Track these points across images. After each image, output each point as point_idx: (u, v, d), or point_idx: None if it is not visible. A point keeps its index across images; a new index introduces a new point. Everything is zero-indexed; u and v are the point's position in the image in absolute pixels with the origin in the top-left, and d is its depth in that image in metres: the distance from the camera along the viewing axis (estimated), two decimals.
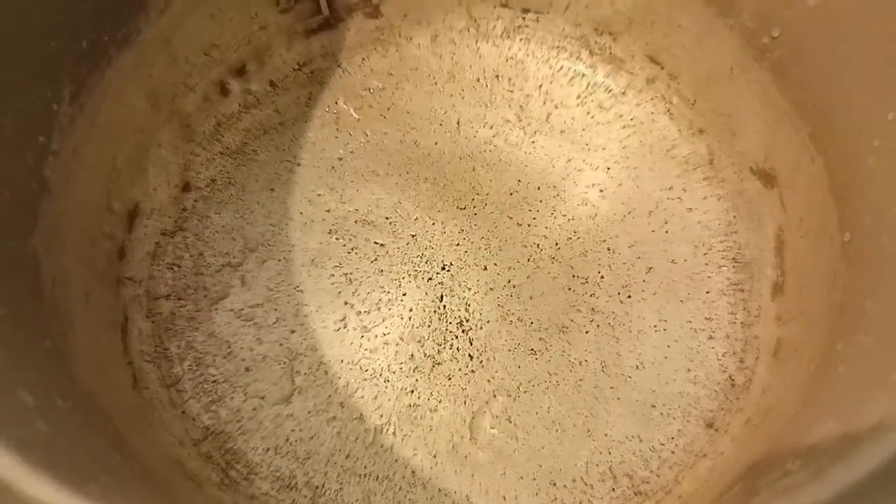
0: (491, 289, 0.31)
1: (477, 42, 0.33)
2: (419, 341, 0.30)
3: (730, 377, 0.29)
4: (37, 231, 0.28)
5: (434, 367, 0.30)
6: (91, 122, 0.29)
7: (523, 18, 0.33)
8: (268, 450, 0.29)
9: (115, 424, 0.27)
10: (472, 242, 0.31)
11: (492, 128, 0.32)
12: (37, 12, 0.25)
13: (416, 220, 0.32)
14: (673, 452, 0.29)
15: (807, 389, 0.25)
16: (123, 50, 0.29)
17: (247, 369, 0.30)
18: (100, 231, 0.30)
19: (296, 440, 0.29)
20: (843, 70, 0.27)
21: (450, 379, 0.30)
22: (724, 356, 0.30)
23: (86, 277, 0.29)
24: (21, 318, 0.26)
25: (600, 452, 0.29)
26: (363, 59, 0.33)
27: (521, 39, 0.33)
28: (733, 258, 0.31)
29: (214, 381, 0.29)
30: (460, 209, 0.32)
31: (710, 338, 0.30)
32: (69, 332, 0.28)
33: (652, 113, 0.32)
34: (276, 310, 0.30)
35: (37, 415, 0.24)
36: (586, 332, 0.30)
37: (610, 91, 0.32)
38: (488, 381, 0.29)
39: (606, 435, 0.29)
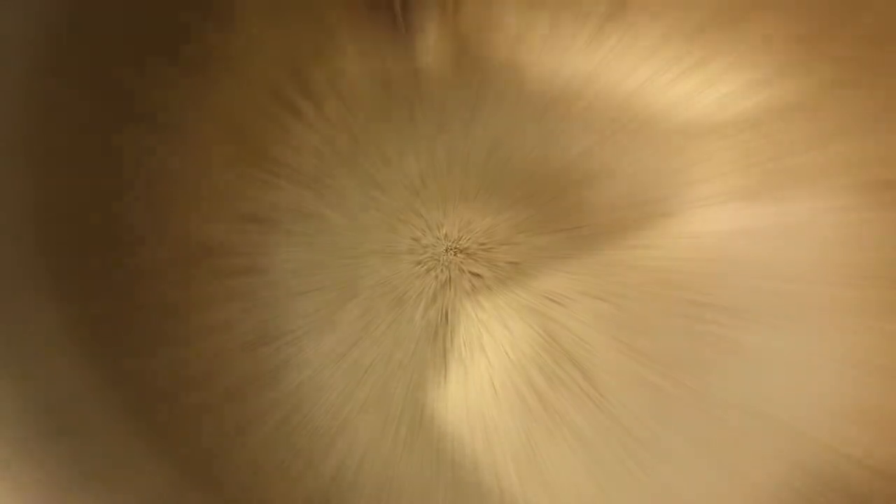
0: (603, 319, 0.28)
1: (562, 48, 0.30)
2: (528, 380, 0.28)
3: (886, 413, 0.26)
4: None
5: (546, 407, 0.27)
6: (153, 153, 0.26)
7: (611, 18, 0.30)
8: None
9: None
10: (577, 268, 0.29)
11: (586, 140, 0.30)
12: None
13: (514, 245, 0.29)
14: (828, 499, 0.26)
15: None
16: (185, 72, 0.26)
17: (345, 420, 0.27)
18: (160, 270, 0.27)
19: (405, 495, 0.26)
20: None
21: (565, 419, 0.27)
22: (878, 389, 0.27)
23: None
24: None
25: (737, 496, 0.26)
26: (440, 71, 0.30)
27: (610, 41, 0.30)
28: (875, 276, 0.28)
29: (311, 435, 0.27)
30: (561, 231, 0.29)
31: (856, 368, 0.27)
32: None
33: (771, 117, 0.29)
34: (366, 354, 0.28)
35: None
36: (712, 364, 0.27)
37: (721, 94, 0.29)
38: (607, 420, 0.27)
39: (743, 477, 0.26)
